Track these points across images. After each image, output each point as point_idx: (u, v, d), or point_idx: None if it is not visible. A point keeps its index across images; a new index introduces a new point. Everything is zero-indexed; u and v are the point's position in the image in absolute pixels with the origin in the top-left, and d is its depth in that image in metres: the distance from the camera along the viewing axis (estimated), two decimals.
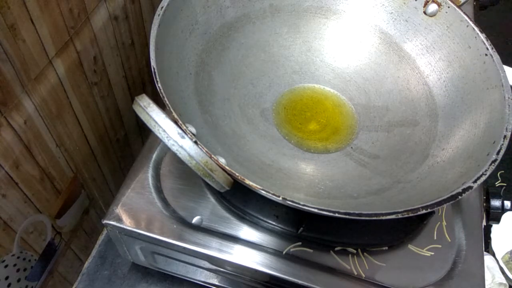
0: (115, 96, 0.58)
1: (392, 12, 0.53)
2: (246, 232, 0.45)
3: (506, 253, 0.74)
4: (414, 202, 0.36)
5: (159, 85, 0.36)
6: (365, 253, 0.44)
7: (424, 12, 0.50)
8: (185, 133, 0.33)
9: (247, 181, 0.33)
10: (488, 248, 0.75)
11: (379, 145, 0.49)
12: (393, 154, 0.47)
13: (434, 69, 0.50)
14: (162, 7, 0.41)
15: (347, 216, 0.33)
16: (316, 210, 0.32)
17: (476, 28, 0.46)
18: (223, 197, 0.46)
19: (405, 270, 0.44)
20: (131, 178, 0.48)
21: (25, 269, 0.48)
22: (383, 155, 0.48)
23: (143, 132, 0.72)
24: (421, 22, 0.51)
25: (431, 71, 0.50)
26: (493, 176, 0.84)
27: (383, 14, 0.53)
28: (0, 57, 0.35)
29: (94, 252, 0.61)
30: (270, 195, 0.33)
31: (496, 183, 0.85)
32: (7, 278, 0.46)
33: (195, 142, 0.33)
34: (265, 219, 0.45)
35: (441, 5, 0.49)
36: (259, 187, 0.33)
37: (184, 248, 0.44)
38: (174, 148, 0.33)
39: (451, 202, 0.35)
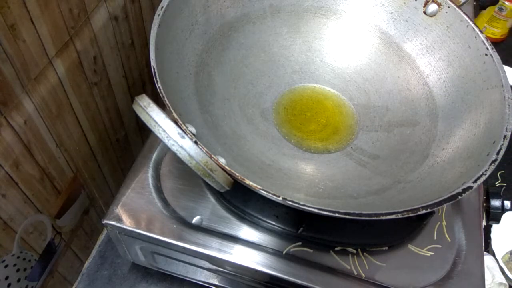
0: (115, 96, 0.58)
1: (392, 12, 0.53)
2: (246, 232, 0.45)
3: (506, 253, 0.74)
4: (414, 202, 0.36)
5: (159, 85, 0.36)
6: (365, 253, 0.44)
7: (424, 12, 0.50)
8: (185, 133, 0.33)
9: (247, 181, 0.33)
10: (488, 248, 0.75)
11: (379, 145, 0.49)
12: (393, 154, 0.47)
13: (434, 69, 0.50)
14: (162, 7, 0.41)
15: (347, 216, 0.33)
16: (316, 210, 0.32)
17: (476, 28, 0.46)
18: (223, 197, 0.46)
19: (405, 270, 0.44)
20: (131, 178, 0.48)
21: (25, 269, 0.48)
22: (383, 155, 0.48)
23: (143, 132, 0.72)
24: (421, 22, 0.51)
25: (431, 71, 0.50)
26: (493, 176, 0.84)
27: (383, 14, 0.53)
28: (0, 57, 0.35)
29: (94, 252, 0.61)
30: (270, 195, 0.33)
31: (496, 183, 0.84)
32: (7, 278, 0.46)
33: (195, 142, 0.33)
34: (265, 219, 0.45)
35: (441, 5, 0.49)
36: (259, 187, 0.33)
37: (184, 248, 0.44)
38: (174, 148, 0.33)
39: (451, 202, 0.35)
